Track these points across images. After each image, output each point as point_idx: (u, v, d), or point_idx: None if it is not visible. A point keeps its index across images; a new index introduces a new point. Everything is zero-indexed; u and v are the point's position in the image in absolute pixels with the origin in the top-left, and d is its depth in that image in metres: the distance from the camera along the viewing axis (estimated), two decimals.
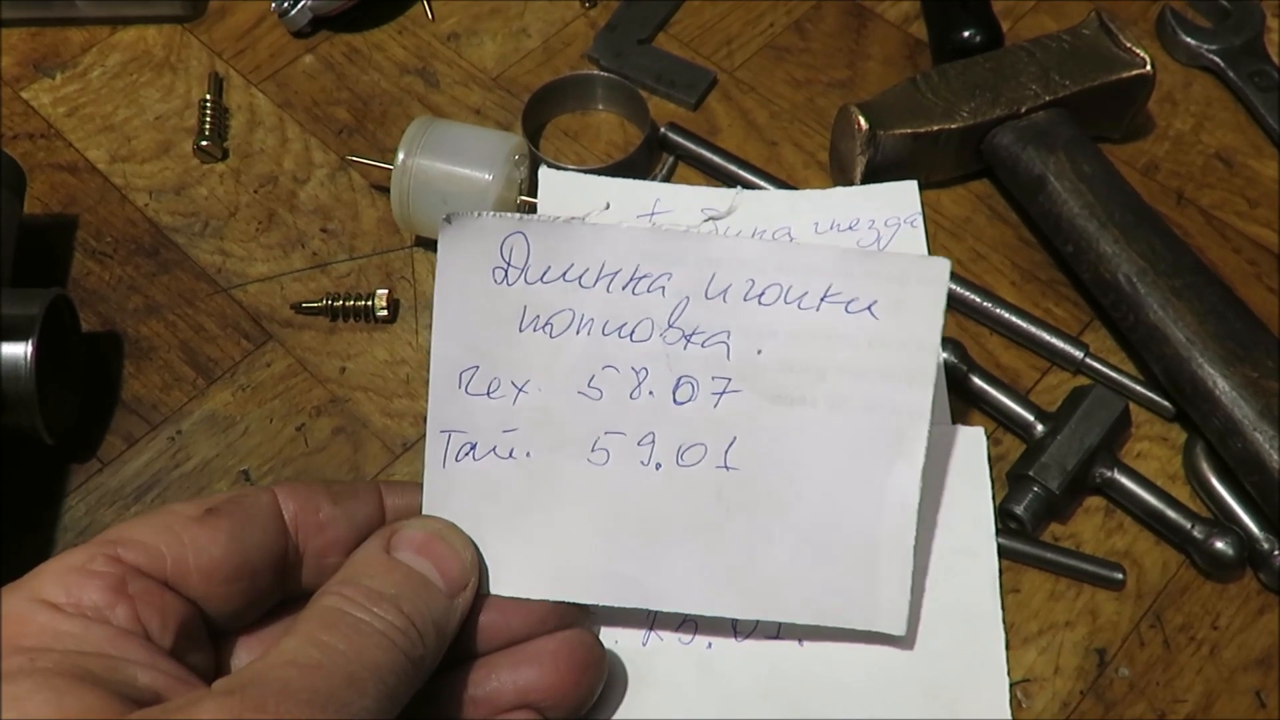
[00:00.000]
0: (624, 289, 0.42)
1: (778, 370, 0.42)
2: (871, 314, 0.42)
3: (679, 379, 0.42)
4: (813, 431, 0.42)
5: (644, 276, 0.41)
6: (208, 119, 0.64)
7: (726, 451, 0.42)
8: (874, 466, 0.42)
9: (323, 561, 0.39)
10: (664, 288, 0.42)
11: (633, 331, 0.42)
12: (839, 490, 0.43)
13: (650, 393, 0.42)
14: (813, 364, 0.42)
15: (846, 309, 0.42)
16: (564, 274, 0.41)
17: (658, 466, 0.42)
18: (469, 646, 0.40)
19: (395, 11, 0.71)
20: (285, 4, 0.68)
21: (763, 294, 0.42)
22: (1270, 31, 0.69)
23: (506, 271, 0.41)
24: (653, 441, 0.42)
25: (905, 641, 0.46)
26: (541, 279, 0.41)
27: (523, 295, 0.42)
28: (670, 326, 0.42)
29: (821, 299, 0.42)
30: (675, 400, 0.42)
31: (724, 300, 0.42)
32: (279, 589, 0.39)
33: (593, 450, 0.42)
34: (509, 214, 0.41)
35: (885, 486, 0.43)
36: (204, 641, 0.37)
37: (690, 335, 0.42)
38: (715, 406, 0.42)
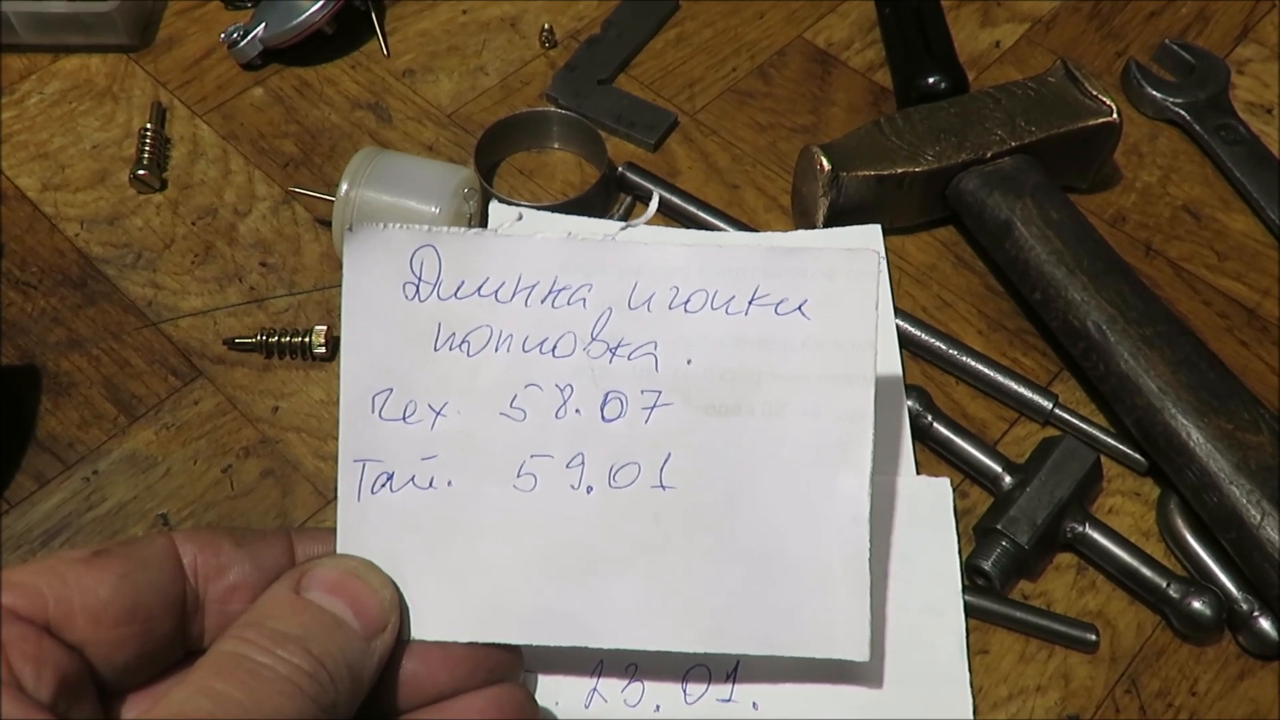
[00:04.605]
0: (543, 302, 0.39)
1: (710, 380, 0.40)
2: (803, 314, 0.40)
3: (606, 394, 0.39)
4: (751, 443, 0.40)
5: (563, 289, 0.39)
6: (147, 148, 0.62)
7: (661, 469, 0.39)
8: (819, 477, 0.40)
9: (226, 609, 0.35)
10: (585, 299, 0.39)
11: (555, 347, 0.39)
12: (784, 505, 0.40)
13: (577, 411, 0.39)
14: (746, 371, 0.40)
15: (776, 311, 0.40)
16: (479, 288, 0.39)
17: (589, 490, 0.39)
18: (390, 702, 0.37)
19: (349, 46, 0.69)
20: (235, 35, 0.66)
21: (688, 301, 0.40)
22: (1235, 87, 0.69)
23: (418, 287, 0.39)
24: (582, 463, 0.39)
25: (871, 679, 0.43)
26: (455, 294, 0.39)
27: (436, 312, 0.39)
28: (594, 340, 0.39)
29: (750, 302, 0.40)
30: (604, 417, 0.39)
31: (648, 309, 0.40)
32: (178, 641, 0.35)
33: (518, 475, 0.39)
34: (417, 226, 0.39)
35: (833, 498, 0.40)
36: (90, 697, 0.33)
37: (615, 348, 0.39)
38: (646, 422, 0.40)
